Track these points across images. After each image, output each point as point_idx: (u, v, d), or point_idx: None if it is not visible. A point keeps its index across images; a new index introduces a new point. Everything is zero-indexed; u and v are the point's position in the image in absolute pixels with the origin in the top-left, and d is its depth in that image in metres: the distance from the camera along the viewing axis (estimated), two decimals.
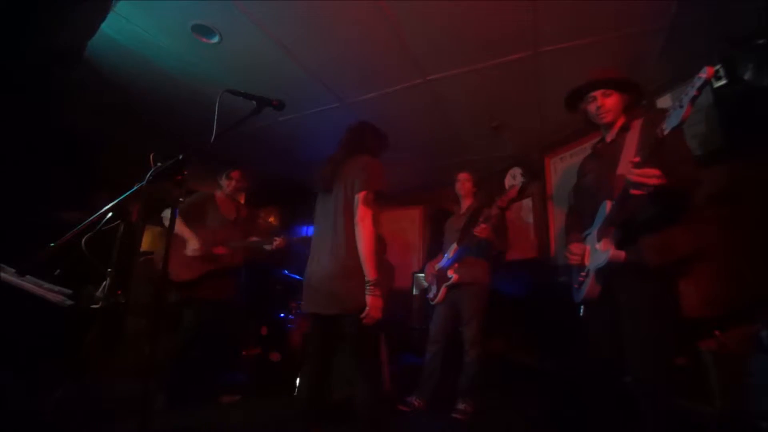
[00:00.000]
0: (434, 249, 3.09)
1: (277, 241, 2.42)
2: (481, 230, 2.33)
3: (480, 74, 2.59)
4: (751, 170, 2.01)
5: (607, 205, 1.42)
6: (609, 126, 1.60)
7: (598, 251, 1.44)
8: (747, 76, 1.94)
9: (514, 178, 3.99)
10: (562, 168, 3.49)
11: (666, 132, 1.13)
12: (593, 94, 1.58)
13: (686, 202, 1.36)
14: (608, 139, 1.61)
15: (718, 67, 2.09)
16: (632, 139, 1.45)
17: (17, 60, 1.48)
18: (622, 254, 1.35)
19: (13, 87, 1.51)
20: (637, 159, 1.21)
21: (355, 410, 1.57)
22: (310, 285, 1.68)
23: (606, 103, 1.56)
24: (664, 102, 2.53)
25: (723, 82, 2.07)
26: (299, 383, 2.59)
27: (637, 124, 1.47)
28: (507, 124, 3.25)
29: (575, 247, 1.60)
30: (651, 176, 1.17)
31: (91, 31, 1.74)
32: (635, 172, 1.19)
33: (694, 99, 1.07)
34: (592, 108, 1.59)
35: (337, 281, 1.57)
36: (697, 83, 1.05)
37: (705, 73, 1.04)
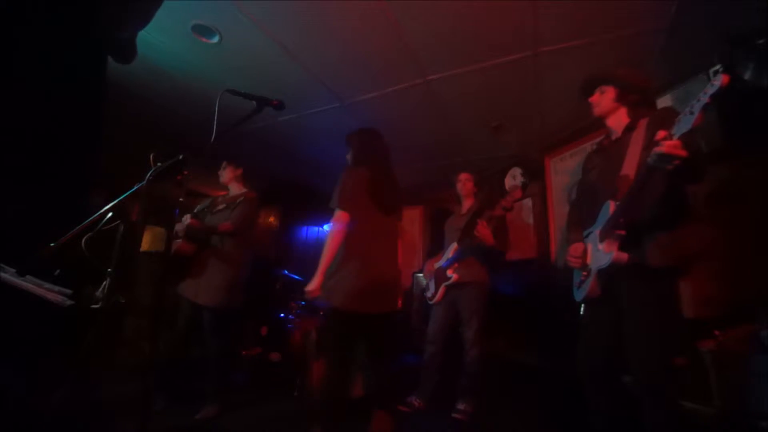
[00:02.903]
0: (434, 249, 3.10)
1: (186, 219, 2.37)
2: (481, 231, 2.33)
3: (480, 74, 2.59)
4: (751, 170, 2.01)
5: (611, 206, 1.41)
6: (604, 119, 1.62)
7: (600, 252, 1.43)
8: (747, 76, 1.93)
9: (514, 178, 3.99)
10: (562, 168, 3.49)
11: (675, 137, 1.12)
12: (596, 92, 1.62)
13: (698, 175, 1.32)
14: (614, 137, 1.61)
15: (717, 67, 2.09)
16: (637, 139, 1.44)
17: (77, 53, 1.38)
18: (625, 256, 1.34)
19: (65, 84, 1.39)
20: (666, 132, 1.16)
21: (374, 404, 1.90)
22: (380, 285, 1.89)
23: (594, 99, 1.61)
24: (664, 102, 2.52)
25: None
26: (335, 381, 2.07)
27: (642, 123, 1.46)
28: (507, 124, 3.25)
29: (575, 250, 1.59)
30: (680, 147, 1.13)
31: (146, 20, 1.59)
32: (667, 143, 1.14)
33: (706, 107, 1.02)
34: None
35: (398, 283, 2.13)
36: (711, 90, 1.01)
37: (719, 80, 0.99)
